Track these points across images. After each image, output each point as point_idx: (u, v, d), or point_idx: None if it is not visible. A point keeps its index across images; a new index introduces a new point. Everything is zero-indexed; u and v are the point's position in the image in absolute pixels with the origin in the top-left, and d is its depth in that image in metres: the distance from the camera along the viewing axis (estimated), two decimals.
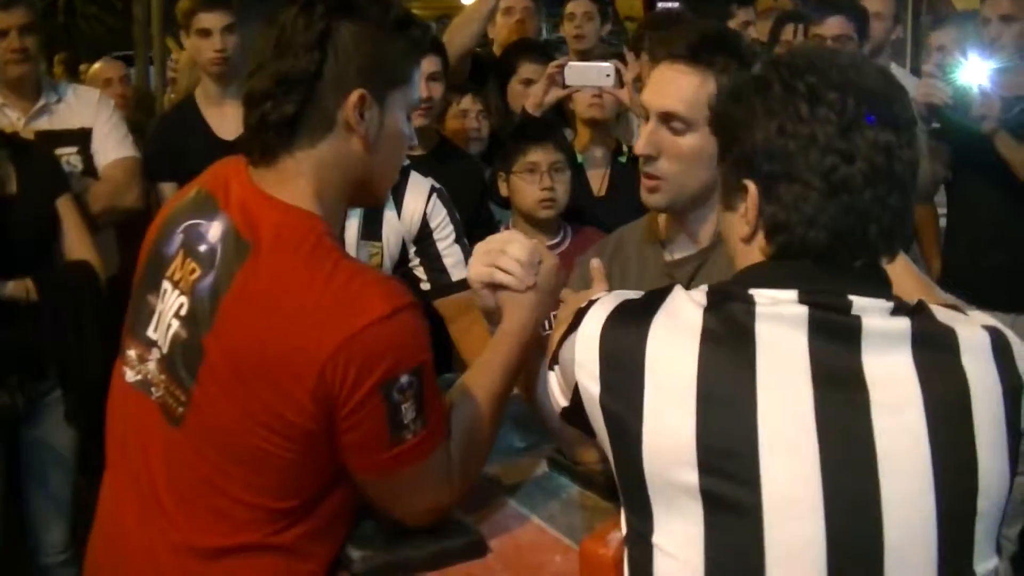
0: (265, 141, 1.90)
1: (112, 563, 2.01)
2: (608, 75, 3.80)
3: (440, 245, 3.29)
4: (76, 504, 3.71)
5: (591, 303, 1.68)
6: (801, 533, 1.45)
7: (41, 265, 3.55)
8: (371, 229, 3.20)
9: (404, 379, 1.78)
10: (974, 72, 4.00)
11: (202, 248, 1.91)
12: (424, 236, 3.28)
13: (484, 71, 5.00)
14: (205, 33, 4.30)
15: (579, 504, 2.20)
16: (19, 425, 3.63)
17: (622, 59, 4.00)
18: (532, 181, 3.73)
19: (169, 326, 1.91)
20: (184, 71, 5.58)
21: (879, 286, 1.58)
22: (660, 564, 1.53)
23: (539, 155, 3.74)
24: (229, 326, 1.81)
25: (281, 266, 1.81)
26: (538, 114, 4.11)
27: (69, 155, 4.08)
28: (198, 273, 1.89)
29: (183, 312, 1.89)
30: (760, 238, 1.60)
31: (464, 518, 2.07)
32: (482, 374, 2.06)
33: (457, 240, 3.30)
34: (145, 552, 1.92)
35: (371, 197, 2.08)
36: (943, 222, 4.73)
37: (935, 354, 1.52)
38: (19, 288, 3.41)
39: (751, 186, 1.58)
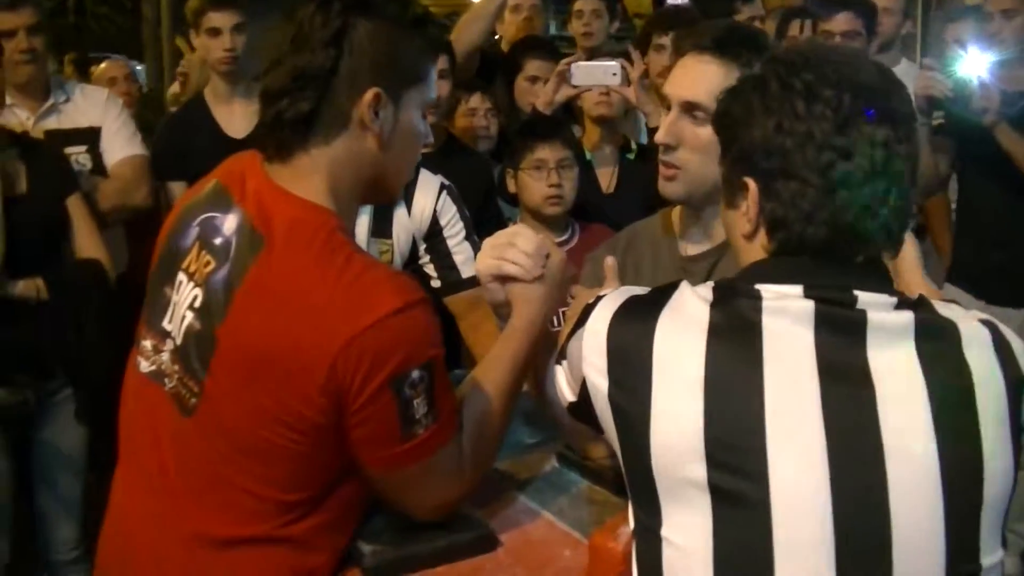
0: (280, 138, 1.91)
1: (123, 554, 2.02)
2: (615, 74, 3.81)
3: (450, 242, 3.30)
4: (86, 501, 3.72)
5: (598, 299, 1.69)
6: (809, 525, 1.45)
7: (51, 264, 3.56)
8: (381, 227, 3.21)
9: (415, 374, 1.79)
10: (974, 64, 3.99)
11: (217, 241, 1.92)
12: (434, 233, 3.28)
13: (492, 68, 5.01)
14: (215, 32, 4.31)
15: (588, 499, 2.20)
16: (30, 423, 3.64)
17: (628, 57, 4.00)
18: (540, 178, 3.74)
19: (183, 318, 1.92)
20: (195, 69, 5.59)
21: (881, 281, 1.59)
22: (668, 557, 1.54)
23: (547, 152, 3.75)
24: (242, 318, 1.82)
25: (294, 260, 1.82)
26: (548, 112, 4.12)
27: (78, 154, 4.08)
28: (213, 265, 1.90)
29: (197, 304, 1.90)
30: (762, 235, 1.61)
31: (474, 512, 2.08)
32: (492, 369, 2.06)
33: (467, 237, 3.30)
34: (155, 542, 1.93)
35: (385, 194, 2.08)
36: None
37: (938, 347, 1.53)
38: (29, 287, 3.42)
39: (751, 183, 1.60)
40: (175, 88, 6.70)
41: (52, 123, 4.10)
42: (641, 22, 7.87)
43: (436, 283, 3.29)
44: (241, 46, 4.33)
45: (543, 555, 2.00)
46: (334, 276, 1.78)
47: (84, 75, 6.37)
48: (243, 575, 1.88)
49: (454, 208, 3.31)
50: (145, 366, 2.00)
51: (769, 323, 1.52)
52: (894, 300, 1.56)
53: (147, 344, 2.01)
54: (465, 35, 4.73)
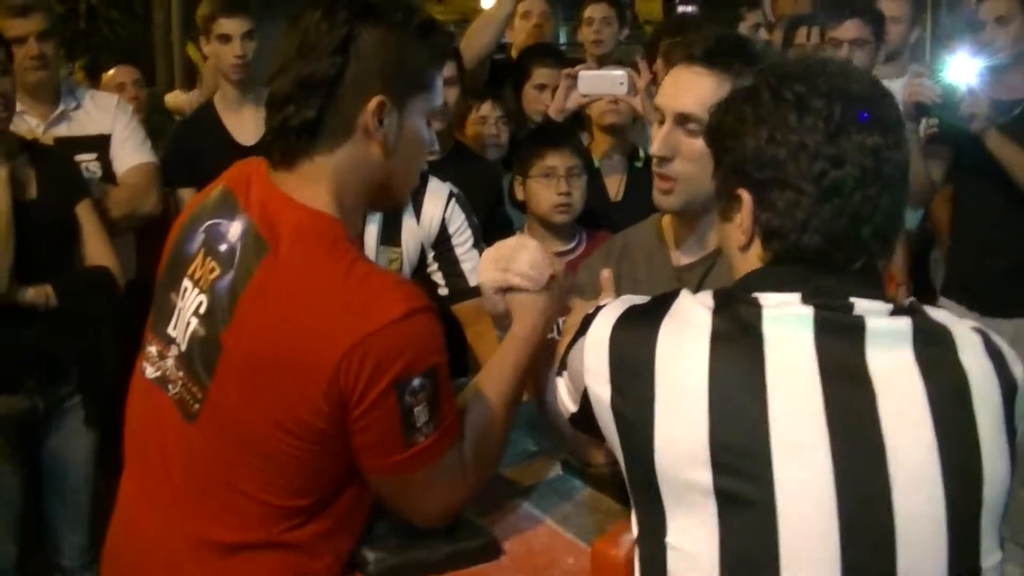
0: (286, 145, 1.91)
1: (129, 559, 2.03)
2: (621, 83, 3.79)
3: (458, 250, 3.30)
4: (96, 508, 3.72)
5: (598, 309, 1.70)
6: (815, 526, 1.47)
7: (61, 270, 3.56)
8: (390, 234, 3.21)
9: (417, 381, 1.80)
10: (962, 71, 3.98)
11: (222, 247, 1.93)
12: (442, 241, 3.28)
13: (501, 75, 5.01)
14: (225, 39, 4.32)
15: (592, 506, 2.20)
16: (39, 430, 3.64)
17: (635, 66, 4.00)
18: (549, 186, 3.75)
19: (188, 324, 1.93)
20: (209, 74, 5.60)
21: (877, 288, 1.61)
22: (674, 563, 1.55)
23: (556, 160, 3.75)
24: (246, 323, 1.83)
25: (298, 266, 1.83)
26: (560, 119, 4.12)
27: (88, 161, 4.09)
28: (217, 272, 1.91)
29: (202, 310, 1.91)
30: (756, 245, 1.63)
31: (477, 520, 2.08)
32: (494, 377, 2.06)
33: (475, 245, 3.30)
34: (161, 547, 1.94)
35: (391, 200, 2.09)
36: None
37: (935, 351, 1.55)
38: (39, 293, 3.41)
39: (745, 195, 1.61)
40: (176, 95, 6.68)
41: (62, 130, 4.11)
42: (651, 28, 7.88)
43: (444, 291, 3.29)
44: (252, 52, 4.34)
45: (546, 562, 2.00)
46: (338, 282, 1.79)
47: (95, 80, 6.38)
48: None
49: (463, 216, 3.31)
50: (150, 372, 2.01)
51: (770, 329, 1.53)
52: (890, 306, 1.58)
53: (152, 350, 2.03)
54: (475, 42, 4.74)
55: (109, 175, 4.14)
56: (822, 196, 1.55)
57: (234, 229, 1.93)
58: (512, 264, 2.09)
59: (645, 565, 1.61)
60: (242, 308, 1.84)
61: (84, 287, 3.61)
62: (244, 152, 2.59)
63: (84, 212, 3.69)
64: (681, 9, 11.36)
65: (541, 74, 4.67)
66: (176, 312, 1.97)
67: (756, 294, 1.58)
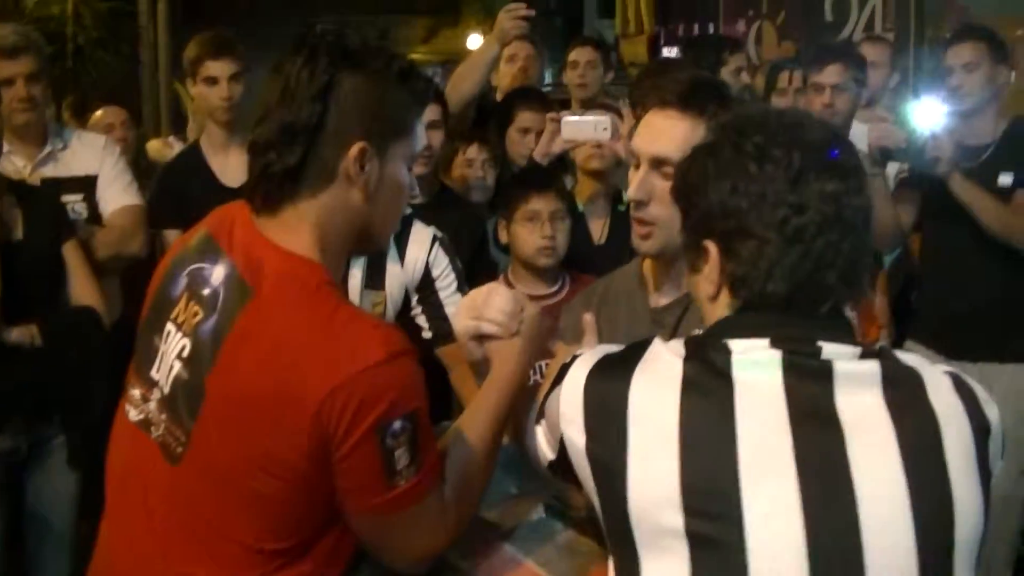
0: (268, 191, 1.92)
1: None
2: (604, 128, 3.78)
3: (442, 294, 3.32)
4: (77, 548, 3.70)
5: (575, 358, 1.74)
6: (786, 567, 1.49)
7: (46, 310, 3.57)
8: (375, 278, 3.23)
9: (398, 424, 1.80)
10: (927, 115, 4.01)
11: (205, 292, 1.94)
12: (426, 284, 3.30)
13: (486, 117, 5.03)
14: (212, 81, 4.32)
15: (574, 549, 2.19)
16: (22, 469, 3.64)
17: (618, 111, 4.02)
18: (533, 229, 3.76)
19: (171, 367, 1.94)
20: (199, 115, 5.61)
21: (845, 332, 1.63)
22: None
23: (541, 203, 3.77)
24: (230, 367, 1.84)
25: (282, 310, 1.84)
26: (544, 163, 4.14)
27: (74, 202, 4.09)
28: (200, 316, 1.92)
29: (185, 354, 1.92)
30: (725, 294, 1.66)
31: (460, 563, 2.08)
32: (474, 421, 2.07)
33: (459, 288, 3.32)
34: None
35: (372, 244, 2.10)
36: None
37: (904, 394, 1.57)
38: (23, 334, 3.42)
39: (711, 247, 1.65)
40: (158, 146, 6.67)
41: (49, 171, 4.11)
42: (635, 71, 7.93)
43: (428, 334, 3.31)
44: (239, 95, 4.34)
45: None
46: (322, 326, 1.80)
47: (81, 119, 6.38)
48: None
49: (446, 260, 3.33)
50: (133, 414, 2.02)
51: (739, 374, 1.56)
52: (858, 350, 1.60)
53: (135, 393, 2.03)
54: (461, 85, 4.77)
55: (95, 216, 4.14)
56: (785, 243, 1.58)
57: (217, 273, 1.94)
58: (484, 311, 2.10)
59: None
60: (226, 352, 1.85)
61: (69, 327, 3.61)
62: (230, 194, 2.61)
63: (70, 252, 3.69)
64: (666, 52, 11.44)
65: (525, 118, 4.69)
66: (159, 355, 1.98)
67: (725, 340, 1.61)
